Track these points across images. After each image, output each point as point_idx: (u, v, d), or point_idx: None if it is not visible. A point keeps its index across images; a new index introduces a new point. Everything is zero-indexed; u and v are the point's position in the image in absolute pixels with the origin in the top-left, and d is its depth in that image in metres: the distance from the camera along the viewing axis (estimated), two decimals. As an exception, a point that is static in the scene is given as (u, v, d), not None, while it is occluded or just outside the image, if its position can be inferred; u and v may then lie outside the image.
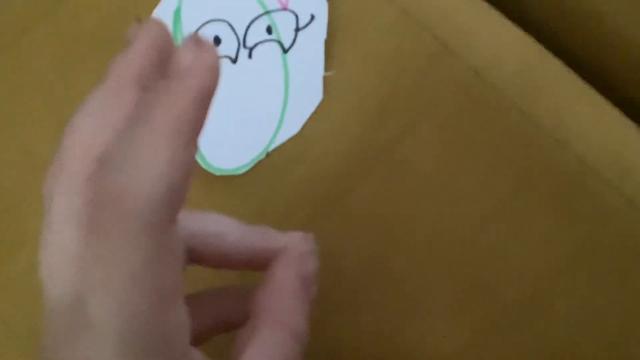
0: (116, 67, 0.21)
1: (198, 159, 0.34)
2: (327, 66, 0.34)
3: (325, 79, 0.34)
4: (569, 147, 0.31)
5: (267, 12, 0.35)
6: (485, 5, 0.34)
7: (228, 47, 0.35)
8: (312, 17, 0.34)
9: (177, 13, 0.35)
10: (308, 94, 0.34)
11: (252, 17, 0.35)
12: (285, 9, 0.35)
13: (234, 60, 0.35)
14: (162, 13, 0.35)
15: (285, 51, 0.35)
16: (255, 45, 0.35)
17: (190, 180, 0.20)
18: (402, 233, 0.31)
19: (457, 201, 0.32)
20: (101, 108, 0.20)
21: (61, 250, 0.19)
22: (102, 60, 0.36)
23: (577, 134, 0.32)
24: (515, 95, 0.32)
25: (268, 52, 0.35)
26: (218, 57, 0.20)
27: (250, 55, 0.35)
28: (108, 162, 0.19)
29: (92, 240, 0.19)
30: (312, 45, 0.34)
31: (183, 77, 0.20)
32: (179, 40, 0.35)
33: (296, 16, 0.35)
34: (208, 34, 0.35)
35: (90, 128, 0.20)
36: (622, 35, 0.34)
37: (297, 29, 0.35)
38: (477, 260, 0.31)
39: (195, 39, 0.21)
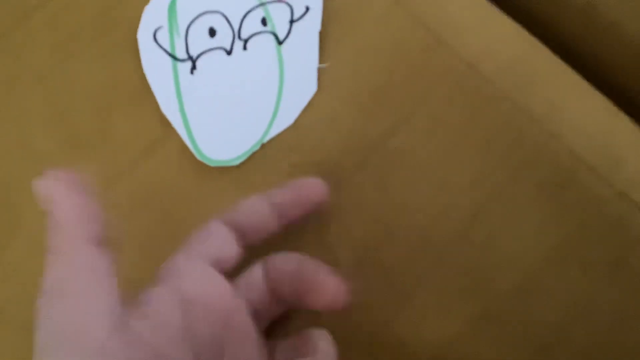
0: None
1: (193, 150, 0.34)
2: (322, 58, 0.34)
3: (319, 70, 0.34)
4: (561, 138, 0.32)
5: (262, 4, 0.35)
6: (479, -3, 0.34)
7: (223, 38, 0.35)
8: (307, 9, 0.35)
9: (172, 5, 0.35)
10: (302, 86, 0.34)
11: (247, 8, 0.35)
12: (280, 0, 0.35)
13: (229, 52, 0.35)
14: (157, 4, 0.35)
15: (280, 43, 0.35)
16: (250, 36, 0.35)
17: None
18: (395, 223, 0.32)
19: (450, 192, 0.32)
20: None
21: None
22: (98, 50, 0.36)
23: (569, 126, 0.32)
24: (507, 87, 0.32)
25: (263, 44, 0.35)
26: None
27: (245, 47, 0.35)
28: None
29: None
30: (307, 37, 0.35)
31: None
32: (173, 32, 0.35)
33: (291, 8, 0.35)
34: (203, 25, 0.35)
35: None
36: (616, 28, 0.34)
37: (292, 21, 0.35)
38: (470, 250, 0.31)
39: None
